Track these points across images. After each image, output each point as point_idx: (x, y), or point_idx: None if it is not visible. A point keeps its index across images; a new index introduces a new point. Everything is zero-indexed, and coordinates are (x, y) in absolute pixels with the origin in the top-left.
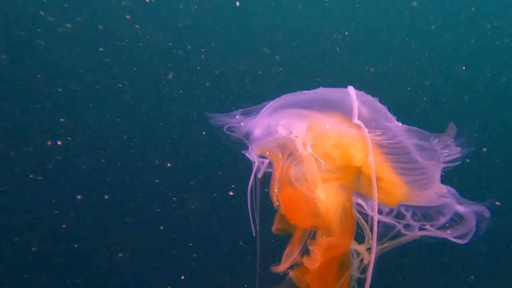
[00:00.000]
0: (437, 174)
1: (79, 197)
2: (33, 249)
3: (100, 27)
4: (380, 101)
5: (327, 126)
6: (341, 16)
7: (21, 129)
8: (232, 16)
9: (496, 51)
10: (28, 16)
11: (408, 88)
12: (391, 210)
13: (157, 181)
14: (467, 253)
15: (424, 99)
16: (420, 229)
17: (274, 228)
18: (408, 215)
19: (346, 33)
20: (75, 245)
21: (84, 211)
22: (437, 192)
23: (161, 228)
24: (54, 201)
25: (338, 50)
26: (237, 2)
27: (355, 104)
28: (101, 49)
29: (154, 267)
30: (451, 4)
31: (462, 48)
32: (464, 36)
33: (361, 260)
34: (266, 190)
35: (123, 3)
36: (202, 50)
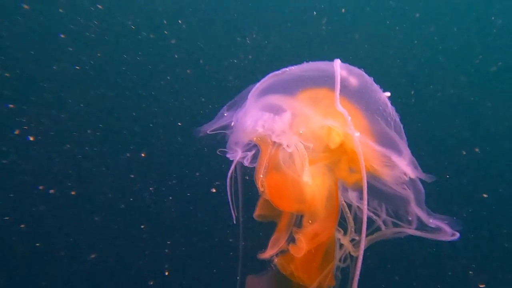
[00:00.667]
0: (406, 155)
1: (41, 187)
2: None
3: (61, 10)
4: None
5: (311, 109)
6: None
7: None
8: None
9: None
10: None
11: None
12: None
13: (132, 176)
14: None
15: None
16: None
17: (256, 214)
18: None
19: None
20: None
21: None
22: (401, 177)
23: (142, 227)
24: (12, 195)
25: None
26: None
27: (338, 79)
28: (62, 35)
29: (137, 265)
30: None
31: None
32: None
33: (346, 250)
34: (247, 178)
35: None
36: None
